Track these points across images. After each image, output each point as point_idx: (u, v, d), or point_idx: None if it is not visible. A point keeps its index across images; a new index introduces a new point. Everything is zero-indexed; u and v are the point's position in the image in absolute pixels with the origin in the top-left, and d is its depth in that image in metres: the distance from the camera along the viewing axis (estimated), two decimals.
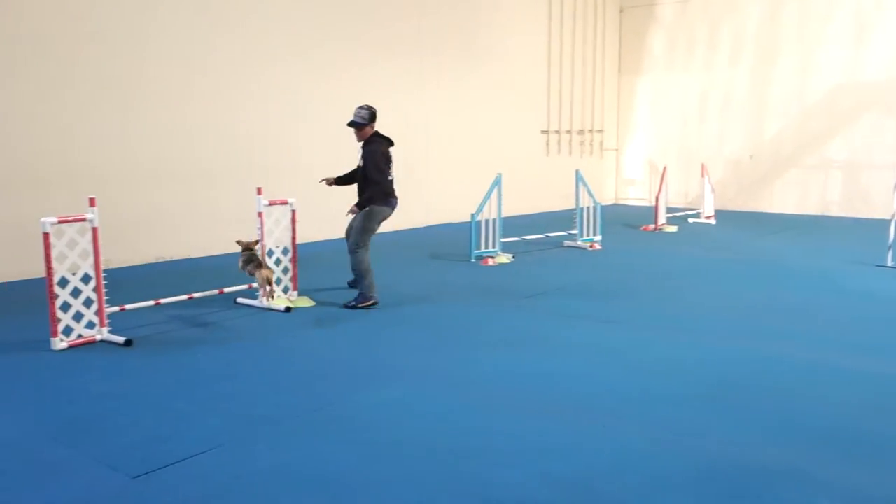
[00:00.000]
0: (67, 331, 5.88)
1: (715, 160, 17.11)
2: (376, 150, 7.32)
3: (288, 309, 7.10)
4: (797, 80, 16.21)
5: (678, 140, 17.99)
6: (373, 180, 7.28)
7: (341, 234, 11.54)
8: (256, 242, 7.13)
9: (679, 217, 14.90)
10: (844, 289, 8.36)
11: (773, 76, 16.51)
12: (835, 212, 16.00)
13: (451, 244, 11.24)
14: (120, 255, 9.06)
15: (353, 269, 7.40)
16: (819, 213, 16.12)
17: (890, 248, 9.72)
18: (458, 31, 13.88)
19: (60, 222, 5.74)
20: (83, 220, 5.92)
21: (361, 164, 7.40)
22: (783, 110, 16.48)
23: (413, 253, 10.58)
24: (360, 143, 7.44)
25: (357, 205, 7.39)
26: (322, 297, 7.61)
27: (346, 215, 7.52)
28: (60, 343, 5.77)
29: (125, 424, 4.32)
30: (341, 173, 7.84)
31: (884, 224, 11.40)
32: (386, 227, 12.63)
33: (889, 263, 9.64)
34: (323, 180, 7.84)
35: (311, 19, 11.25)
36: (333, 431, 4.24)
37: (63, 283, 5.84)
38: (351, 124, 7.40)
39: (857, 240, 12.25)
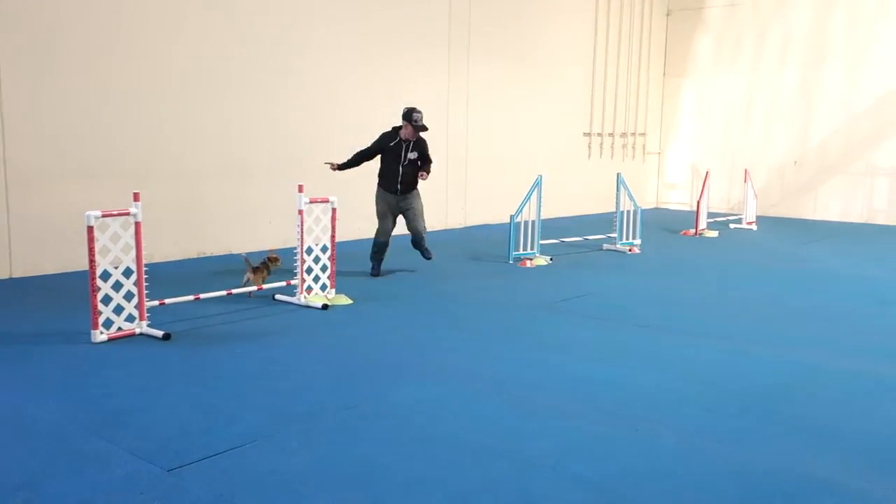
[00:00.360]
0: (108, 323, 5.99)
1: (758, 165, 16.84)
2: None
3: (325, 306, 7.15)
4: (845, 84, 15.89)
5: (721, 144, 17.75)
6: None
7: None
8: (274, 260, 7.70)
9: (720, 222, 14.71)
10: (888, 298, 8.19)
11: (820, 81, 16.21)
12: (880, 220, 15.66)
13: (489, 245, 11.23)
14: (161, 250, 9.19)
15: (424, 239, 9.00)
16: (864, 221, 15.79)
17: None
18: (502, 31, 13.85)
19: (105, 216, 5.84)
20: (127, 214, 6.02)
21: (416, 158, 8.65)
22: (830, 115, 16.17)
23: (452, 253, 10.57)
24: (410, 140, 8.58)
25: (405, 191, 8.74)
26: (359, 295, 7.63)
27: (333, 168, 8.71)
28: (100, 335, 5.87)
29: (161, 418, 4.38)
30: (346, 159, 8.76)
31: None
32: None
33: None
34: (328, 163, 8.74)
35: (352, 18, 11.30)
36: (368, 429, 4.26)
37: (105, 276, 5.94)
38: (420, 128, 8.51)
39: None
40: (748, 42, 17.13)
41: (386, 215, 8.85)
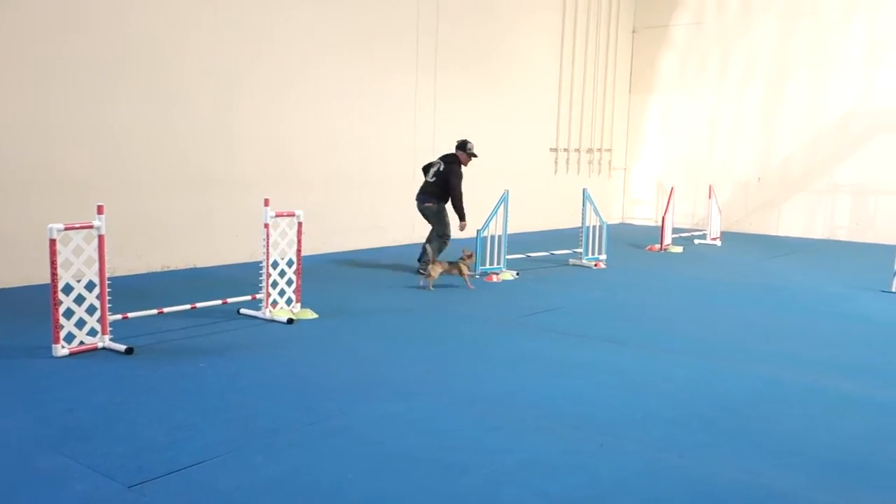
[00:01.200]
0: (69, 338, 5.89)
1: (723, 182, 17.09)
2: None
3: (290, 321, 7.11)
4: (808, 103, 16.21)
5: (686, 161, 17.99)
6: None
7: (348, 247, 11.64)
8: (470, 256, 9.18)
9: (685, 238, 14.88)
10: (849, 313, 8.34)
11: (783, 99, 16.52)
12: (842, 236, 15.95)
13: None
14: (125, 264, 9.08)
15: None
16: (826, 238, 16.07)
17: (895, 273, 9.68)
18: (469, 47, 13.93)
19: (67, 229, 5.76)
20: (90, 227, 5.94)
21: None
22: (792, 133, 16.47)
23: (416, 267, 10.56)
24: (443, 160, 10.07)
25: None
26: (324, 310, 7.60)
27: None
28: (62, 350, 5.78)
29: (123, 433, 4.32)
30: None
31: (890, 250, 11.36)
32: (389, 241, 12.69)
33: (893, 289, 9.61)
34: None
35: (318, 30, 11.29)
36: (333, 444, 4.23)
37: (67, 289, 5.85)
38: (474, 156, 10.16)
39: (863, 265, 12.22)
40: (713, 60, 17.42)
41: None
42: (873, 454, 4.32)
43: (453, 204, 9.95)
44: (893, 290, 9.61)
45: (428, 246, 9.51)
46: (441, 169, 10.01)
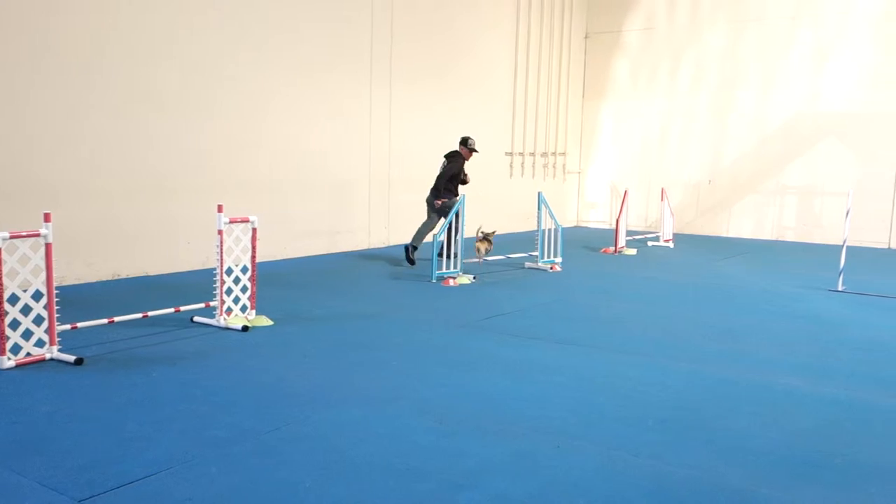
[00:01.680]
0: (16, 349, 5.76)
1: (675, 184, 17.37)
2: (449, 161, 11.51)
3: (245, 328, 7.03)
4: (756, 107, 16.55)
5: (639, 164, 18.24)
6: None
7: (306, 252, 11.55)
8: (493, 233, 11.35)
9: (639, 240, 15.07)
10: (797, 312, 8.51)
11: (733, 103, 16.84)
12: (790, 237, 16.31)
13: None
14: (74, 272, 8.90)
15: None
16: (774, 239, 16.41)
17: (841, 273, 9.92)
18: (424, 53, 13.95)
19: (13, 237, 5.63)
20: (37, 235, 5.81)
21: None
22: (742, 137, 16.80)
23: (373, 272, 10.55)
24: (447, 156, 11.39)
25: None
26: (280, 316, 7.54)
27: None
28: (7, 362, 5.64)
29: (72, 446, 4.23)
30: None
31: (836, 249, 11.64)
32: (347, 246, 12.64)
33: (840, 288, 9.84)
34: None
35: (272, 36, 11.22)
36: (289, 452, 4.19)
37: (13, 299, 5.72)
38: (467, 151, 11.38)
39: (811, 265, 12.50)
40: (664, 65, 17.69)
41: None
42: (821, 449, 4.42)
43: (435, 182, 11.22)
44: (840, 289, 9.83)
45: (478, 244, 11.24)
46: (444, 164, 11.32)
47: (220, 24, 10.44)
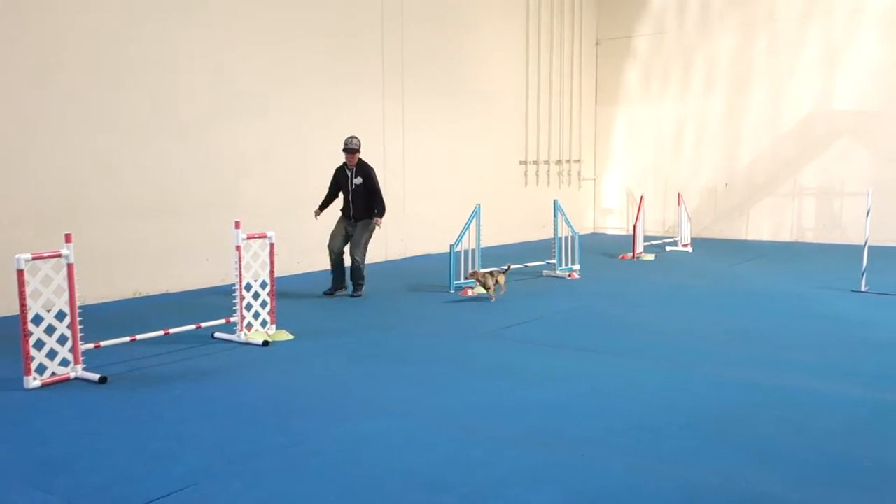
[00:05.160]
0: (41, 369, 5.80)
1: (691, 189, 17.29)
2: (374, 170, 9.58)
3: (266, 343, 7.05)
4: (770, 109, 16.46)
5: (654, 169, 18.18)
6: (380, 194, 9.53)
7: (319, 267, 11.56)
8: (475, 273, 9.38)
9: (656, 245, 15.00)
10: (820, 314, 8.44)
11: (746, 106, 16.77)
12: (809, 238, 16.18)
13: (430, 275, 11.24)
14: (95, 292, 8.97)
15: (361, 272, 9.49)
16: (793, 240, 16.29)
17: (863, 273, 9.83)
18: (436, 65, 13.99)
19: (35, 259, 5.68)
20: (59, 255, 5.87)
21: (361, 183, 9.44)
22: (756, 139, 16.71)
23: (391, 285, 10.55)
24: (354, 166, 9.47)
25: (356, 217, 9.50)
26: (300, 330, 7.56)
27: (376, 225, 9.54)
28: (33, 382, 5.69)
29: (98, 464, 4.25)
30: (320, 202, 9.72)
31: (857, 250, 11.54)
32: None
33: (863, 288, 9.75)
34: (316, 212, 9.68)
35: (285, 52, 11.28)
36: (312, 467, 4.20)
37: (37, 320, 5.77)
38: (351, 150, 9.36)
39: (832, 265, 12.39)
40: (675, 69, 17.64)
41: (336, 234, 9.67)
42: (850, 453, 4.37)
43: (377, 196, 9.61)
44: (863, 289, 9.74)
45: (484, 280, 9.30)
46: (352, 175, 9.60)
47: (234, 46, 10.52)
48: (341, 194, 9.73)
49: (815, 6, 15.77)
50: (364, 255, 9.56)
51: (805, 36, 15.93)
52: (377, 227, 9.60)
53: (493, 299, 9.25)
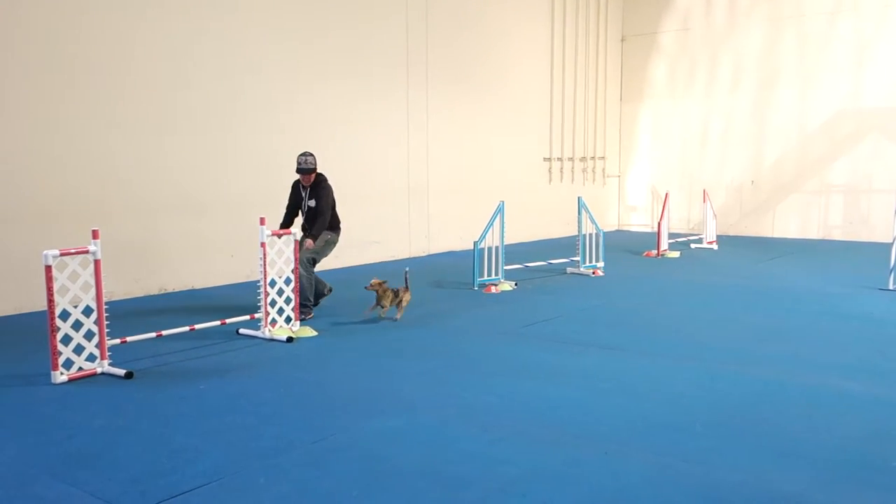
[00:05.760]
0: (68, 364, 5.87)
1: (716, 186, 17.15)
2: (331, 188, 8.43)
3: (290, 339, 7.09)
4: (797, 105, 16.28)
5: (680, 166, 18.04)
6: (325, 217, 8.29)
7: (345, 264, 11.59)
8: (380, 283, 7.99)
9: (681, 243, 14.90)
10: (847, 312, 8.34)
11: (773, 102, 16.59)
12: (836, 236, 15.99)
13: (453, 272, 11.24)
14: (122, 288, 9.07)
15: (304, 291, 8.07)
16: (821, 238, 16.10)
17: (891, 271, 9.70)
18: (460, 61, 13.98)
19: (63, 255, 5.75)
20: (86, 252, 5.93)
21: (314, 206, 8.32)
22: (784, 136, 16.53)
23: (416, 281, 10.53)
24: (309, 185, 8.36)
25: (311, 236, 8.21)
26: (324, 327, 7.59)
27: (306, 248, 8.13)
28: (61, 376, 5.76)
29: (124, 459, 4.30)
30: (282, 222, 8.51)
31: (885, 248, 11.38)
32: (387, 256, 12.68)
33: (891, 286, 9.62)
34: (277, 234, 7.57)
35: (308, 49, 11.33)
36: (336, 462, 4.22)
37: (64, 315, 5.84)
38: (305, 171, 8.24)
39: (859, 263, 12.24)
40: (702, 65, 17.49)
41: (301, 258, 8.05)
42: (875, 453, 4.32)
43: (333, 212, 8.63)
44: (891, 287, 9.62)
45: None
46: (306, 193, 8.53)
47: (261, 43, 10.57)
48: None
49: (844, 1, 15.57)
50: (305, 273, 8.07)
51: (833, 31, 15.73)
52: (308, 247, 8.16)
53: (382, 315, 8.01)
